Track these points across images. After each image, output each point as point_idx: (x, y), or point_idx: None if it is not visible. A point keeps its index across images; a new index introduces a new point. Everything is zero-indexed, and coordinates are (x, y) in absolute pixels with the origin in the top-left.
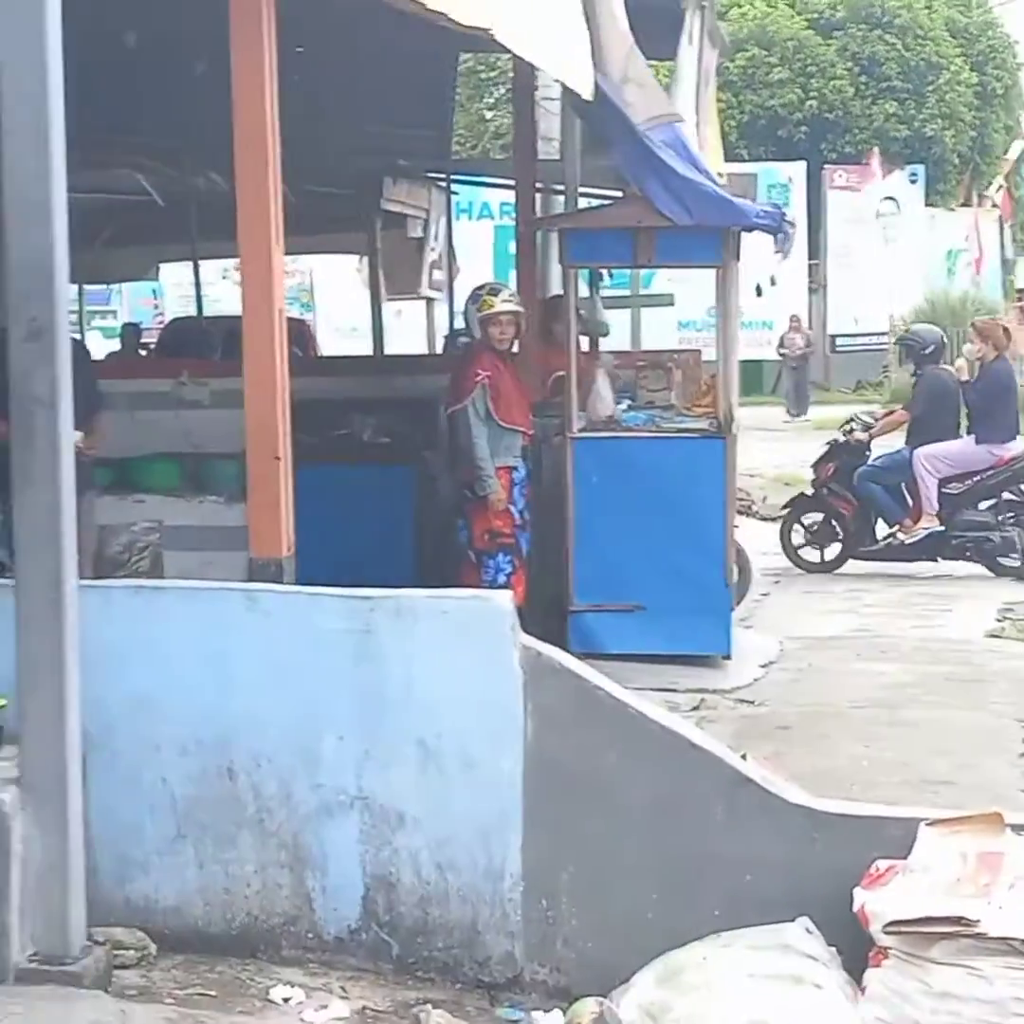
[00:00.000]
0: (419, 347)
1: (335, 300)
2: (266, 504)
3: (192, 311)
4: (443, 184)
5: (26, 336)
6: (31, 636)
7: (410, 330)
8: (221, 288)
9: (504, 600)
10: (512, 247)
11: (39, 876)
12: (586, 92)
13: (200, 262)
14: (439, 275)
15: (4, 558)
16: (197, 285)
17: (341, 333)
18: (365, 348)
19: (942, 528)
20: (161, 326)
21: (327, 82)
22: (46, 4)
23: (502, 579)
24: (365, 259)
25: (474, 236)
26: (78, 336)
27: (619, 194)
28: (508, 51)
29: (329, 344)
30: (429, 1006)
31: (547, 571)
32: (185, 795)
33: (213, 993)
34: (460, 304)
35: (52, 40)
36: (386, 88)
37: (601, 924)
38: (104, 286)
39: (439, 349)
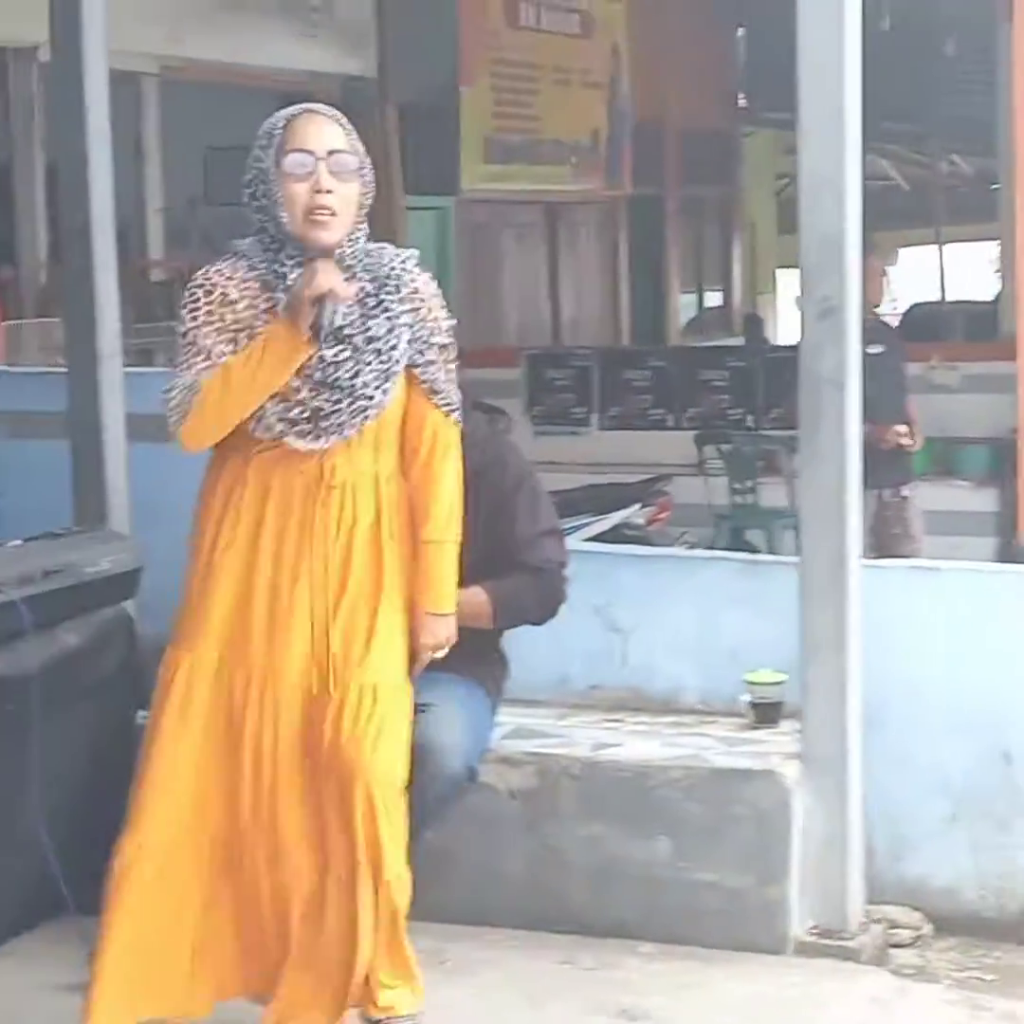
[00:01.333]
0: None
1: None
2: None
3: (928, 296)
4: None
5: (817, 315)
6: (814, 612)
7: None
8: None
9: None
10: None
11: (818, 851)
12: None
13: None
14: None
15: (750, 539)
16: (941, 269)
17: None
18: None
19: None
20: (895, 312)
21: None
22: None
23: None
24: None
25: None
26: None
27: None
28: None
29: None
30: None
31: None
32: (960, 778)
33: (990, 978)
34: None
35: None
36: None
37: None
38: None
39: None
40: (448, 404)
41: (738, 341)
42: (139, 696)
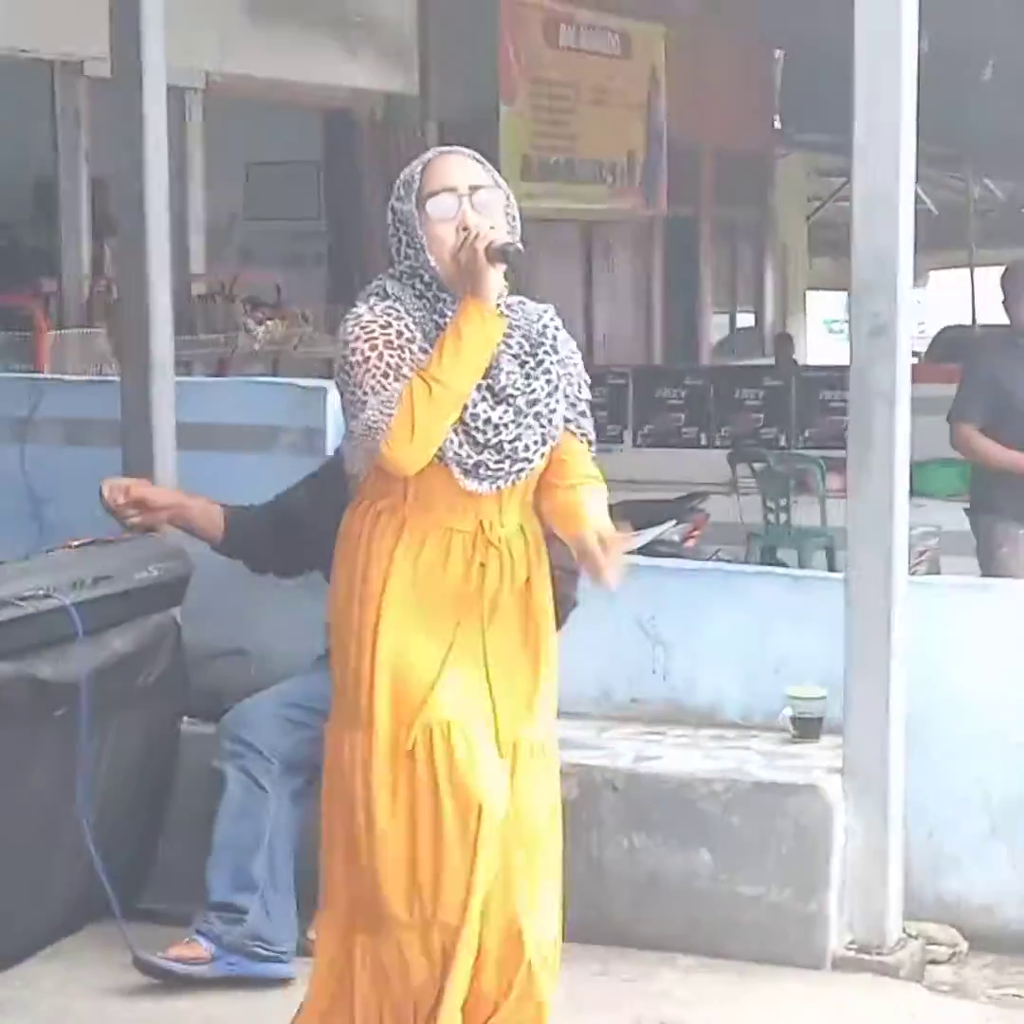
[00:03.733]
0: None
1: None
2: None
3: (959, 319)
4: None
5: (869, 331)
6: (860, 627)
7: None
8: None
9: None
10: None
11: (858, 866)
12: None
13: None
14: None
15: (782, 558)
16: (972, 293)
17: None
18: None
19: None
20: (922, 335)
21: None
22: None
23: None
24: None
25: None
26: None
27: None
28: None
29: None
30: None
31: None
32: (1000, 794)
33: None
34: None
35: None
36: None
37: None
38: None
39: None
40: (592, 443)
41: (770, 361)
42: (184, 702)
